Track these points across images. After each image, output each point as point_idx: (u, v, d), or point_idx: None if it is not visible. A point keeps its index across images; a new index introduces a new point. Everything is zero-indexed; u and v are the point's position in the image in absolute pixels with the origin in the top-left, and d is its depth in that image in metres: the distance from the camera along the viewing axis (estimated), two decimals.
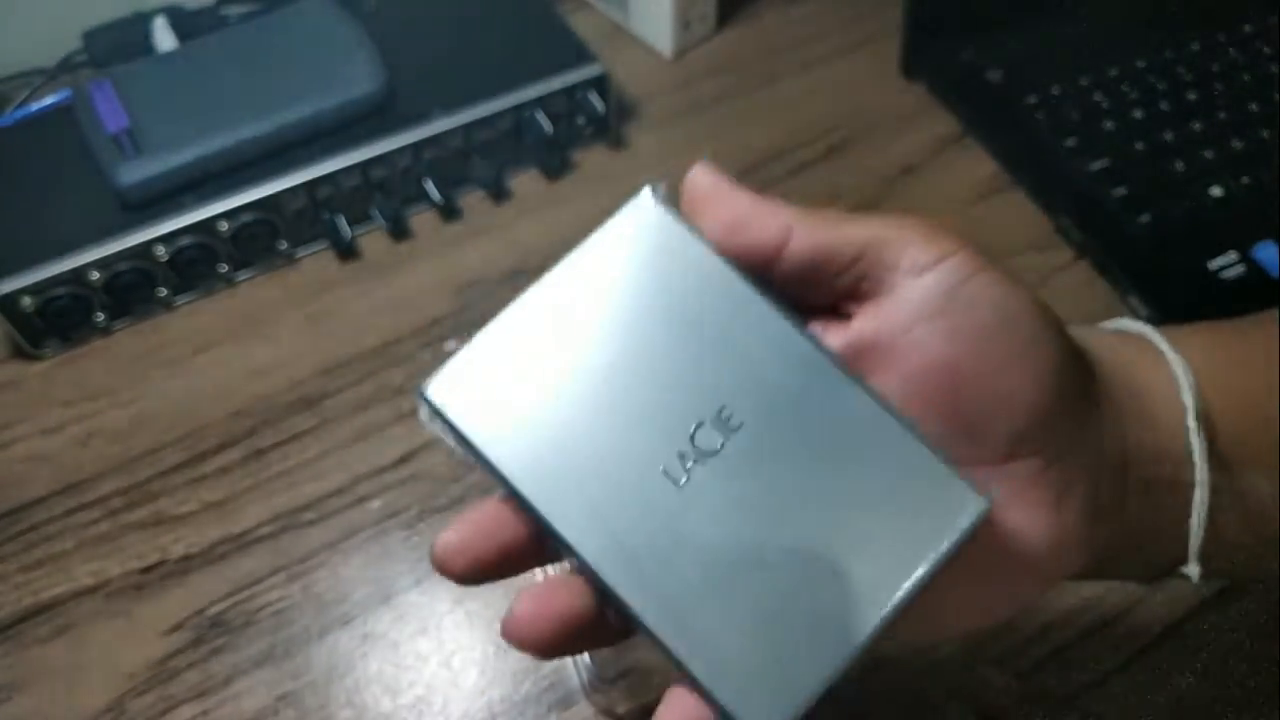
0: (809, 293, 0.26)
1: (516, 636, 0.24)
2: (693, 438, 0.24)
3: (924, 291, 0.24)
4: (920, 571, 0.23)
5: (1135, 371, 0.28)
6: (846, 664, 0.23)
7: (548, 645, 0.24)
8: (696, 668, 0.23)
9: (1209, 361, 0.29)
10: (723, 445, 0.24)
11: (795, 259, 0.25)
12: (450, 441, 0.25)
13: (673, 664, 0.23)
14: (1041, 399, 0.24)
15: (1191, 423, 0.27)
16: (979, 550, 0.24)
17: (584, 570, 0.24)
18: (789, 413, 0.24)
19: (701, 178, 0.26)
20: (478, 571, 0.25)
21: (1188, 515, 0.28)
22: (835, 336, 0.26)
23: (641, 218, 0.26)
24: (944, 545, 0.24)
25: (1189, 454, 0.27)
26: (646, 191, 0.26)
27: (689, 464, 0.24)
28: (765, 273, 0.26)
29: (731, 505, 0.24)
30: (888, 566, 0.23)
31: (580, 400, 0.24)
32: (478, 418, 0.24)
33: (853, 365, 0.25)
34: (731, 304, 0.25)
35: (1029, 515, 0.25)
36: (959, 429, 0.25)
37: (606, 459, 0.24)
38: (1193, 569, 0.28)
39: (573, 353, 0.25)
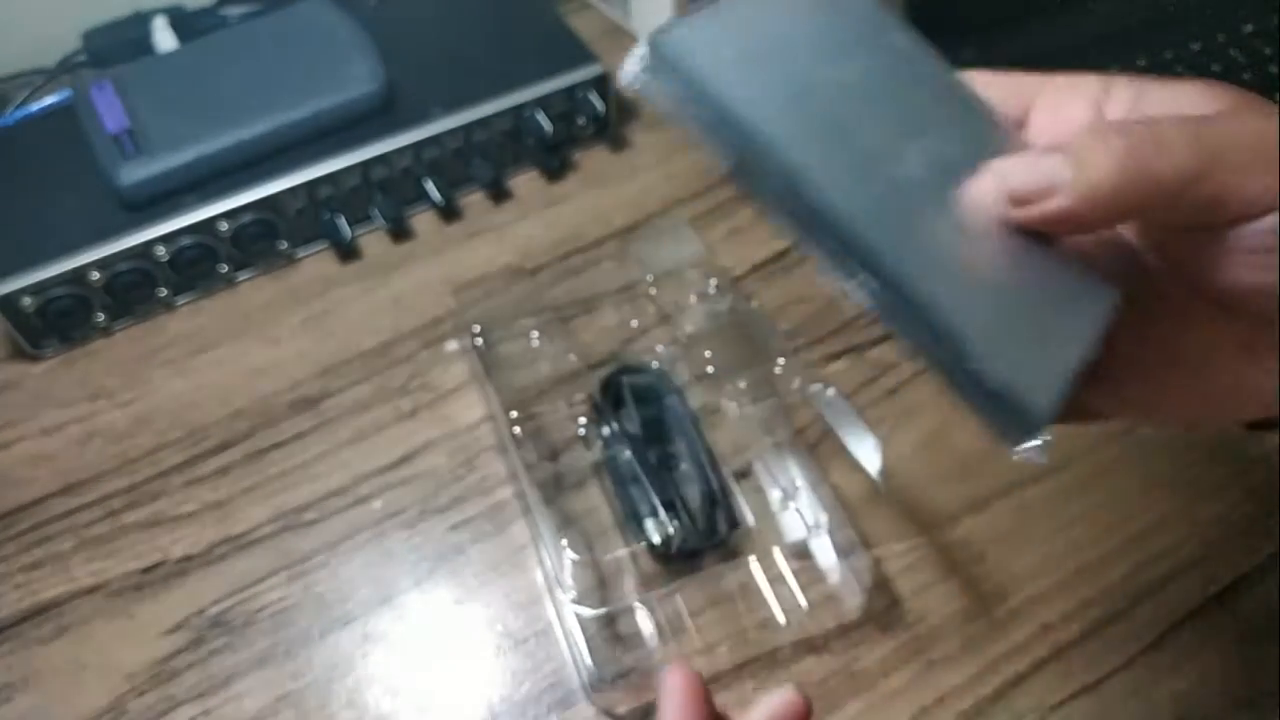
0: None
1: None
2: (906, 126, 0.25)
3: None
4: (1088, 349, 0.25)
5: None
6: (1091, 350, 0.24)
7: None
8: (973, 347, 0.23)
9: None
10: (929, 138, 0.25)
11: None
12: (668, 97, 0.24)
13: (928, 338, 0.23)
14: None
15: None
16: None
17: (829, 238, 0.23)
18: (976, 142, 0.26)
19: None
20: None
21: None
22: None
23: None
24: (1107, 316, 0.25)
25: None
26: None
27: (923, 159, 0.24)
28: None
29: (957, 208, 0.24)
30: (1093, 282, 0.25)
31: (813, 81, 0.24)
32: (713, 66, 0.23)
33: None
34: (911, 48, 0.28)
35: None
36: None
37: (845, 131, 0.24)
38: None
39: (802, 46, 0.25)
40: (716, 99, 0.23)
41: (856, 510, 0.46)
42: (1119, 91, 0.27)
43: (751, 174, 0.23)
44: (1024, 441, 0.23)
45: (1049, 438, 0.23)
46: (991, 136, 0.26)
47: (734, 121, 0.23)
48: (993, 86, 0.28)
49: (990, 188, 0.25)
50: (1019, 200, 0.24)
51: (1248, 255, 0.25)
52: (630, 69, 0.23)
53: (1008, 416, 0.23)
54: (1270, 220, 0.24)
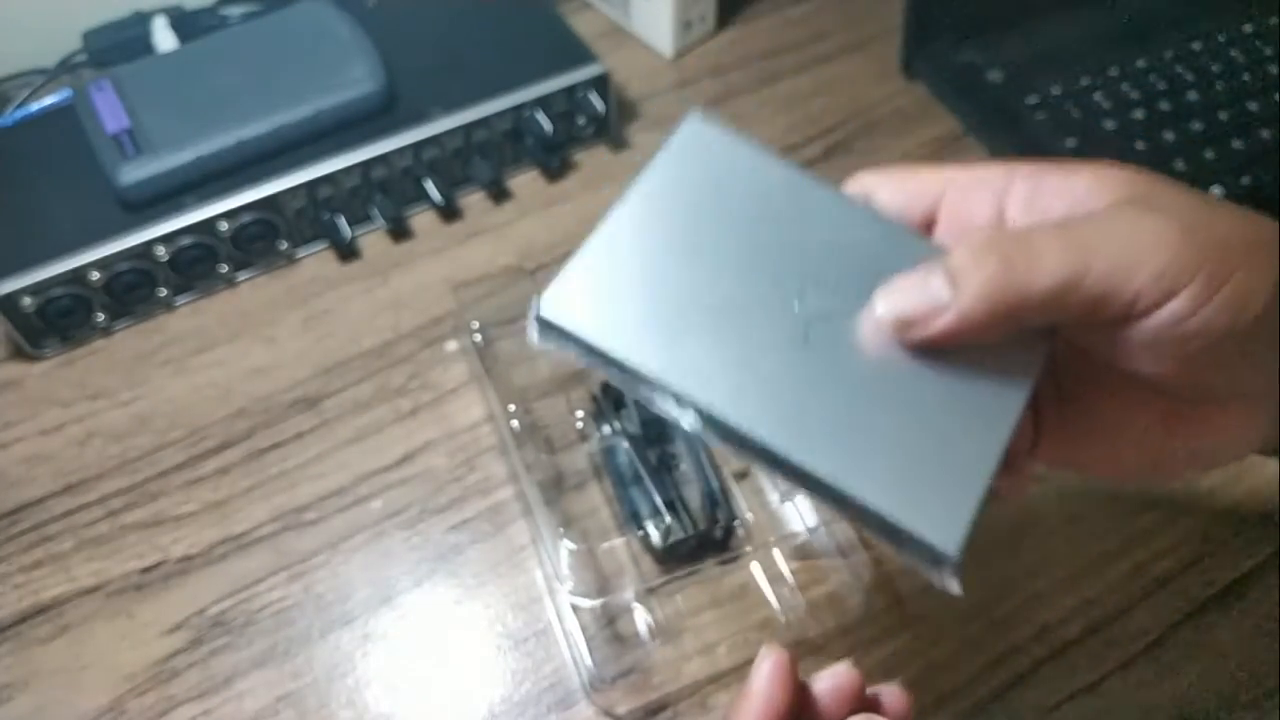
0: None
1: None
2: (801, 306, 0.26)
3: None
4: (1030, 383, 0.26)
5: None
6: (995, 472, 0.25)
7: None
8: (878, 504, 0.24)
9: None
10: (828, 306, 0.26)
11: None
12: (569, 354, 0.25)
13: (844, 509, 0.25)
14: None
15: None
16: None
17: (743, 447, 0.25)
18: (870, 268, 0.27)
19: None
20: None
21: None
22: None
23: (695, 136, 0.28)
24: (1041, 359, 0.26)
25: None
26: (693, 114, 0.28)
27: (806, 327, 0.26)
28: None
29: (854, 356, 0.26)
30: (1003, 384, 0.26)
31: (690, 293, 0.26)
32: (601, 326, 0.25)
33: None
34: (796, 192, 0.28)
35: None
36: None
37: (733, 338, 0.26)
38: None
39: (670, 254, 0.26)
40: (602, 354, 0.25)
41: None
42: (1018, 185, 0.27)
43: (661, 400, 0.26)
44: (945, 574, 0.25)
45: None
46: (887, 258, 0.27)
47: (625, 370, 0.25)
48: (898, 192, 0.29)
49: (880, 315, 0.26)
50: (905, 325, 0.26)
51: (1142, 348, 0.25)
52: (530, 331, 0.26)
53: (923, 556, 0.25)
54: (1162, 315, 0.25)
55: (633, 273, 0.26)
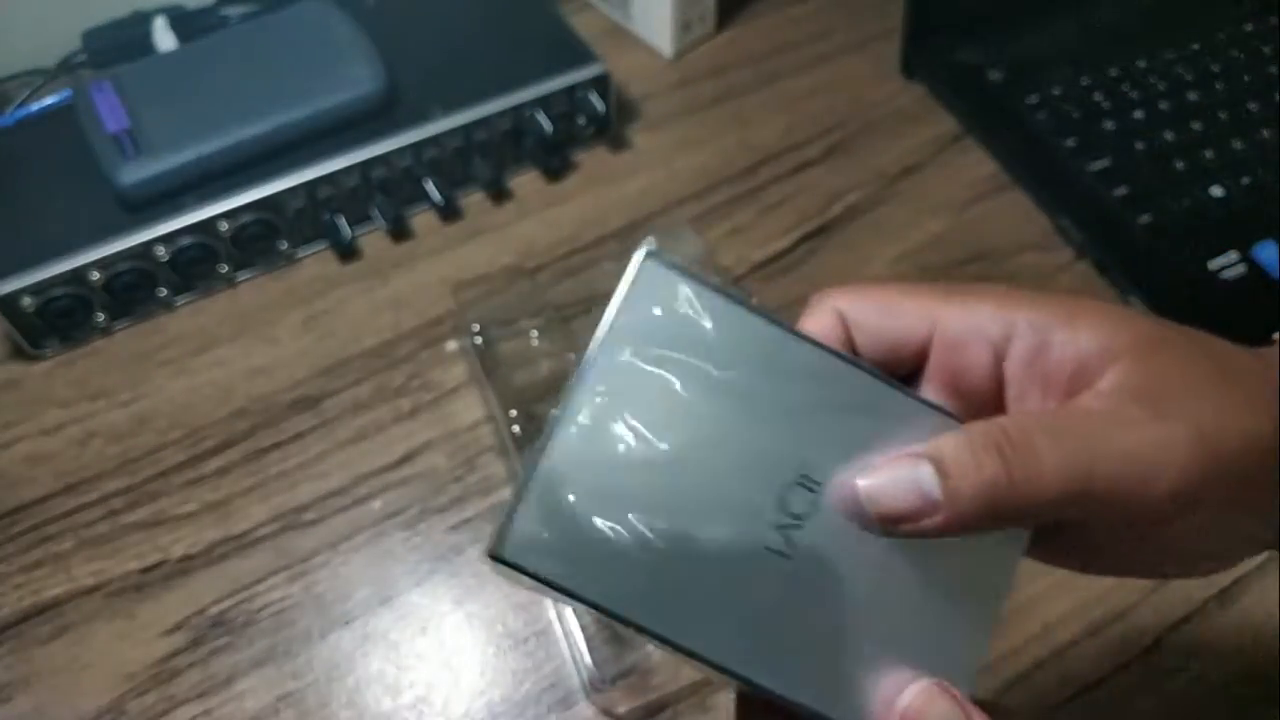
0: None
1: None
2: (785, 505, 0.23)
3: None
4: (1000, 605, 0.25)
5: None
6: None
7: None
8: None
9: None
10: (814, 504, 0.23)
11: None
12: (530, 586, 0.23)
13: None
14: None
15: None
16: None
17: (726, 677, 0.23)
18: (857, 452, 0.24)
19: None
20: None
21: None
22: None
23: (646, 286, 0.23)
24: (1008, 579, 0.25)
25: None
26: (639, 254, 0.23)
27: (789, 532, 0.23)
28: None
29: (831, 570, 0.23)
30: (977, 600, 0.25)
31: (657, 506, 0.23)
32: (561, 563, 0.22)
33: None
34: (771, 352, 0.24)
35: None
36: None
37: (712, 560, 0.23)
38: None
39: (631, 462, 0.23)
40: (574, 595, 0.22)
41: None
42: (1019, 344, 0.25)
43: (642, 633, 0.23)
44: None
45: None
46: (881, 428, 0.24)
47: (587, 603, 0.22)
48: (882, 322, 0.26)
49: (861, 502, 0.24)
50: (889, 519, 0.23)
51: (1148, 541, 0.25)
52: (497, 571, 0.23)
53: None
54: (1176, 527, 0.24)
55: (591, 492, 0.22)
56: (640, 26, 0.67)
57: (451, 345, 0.53)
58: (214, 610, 0.45)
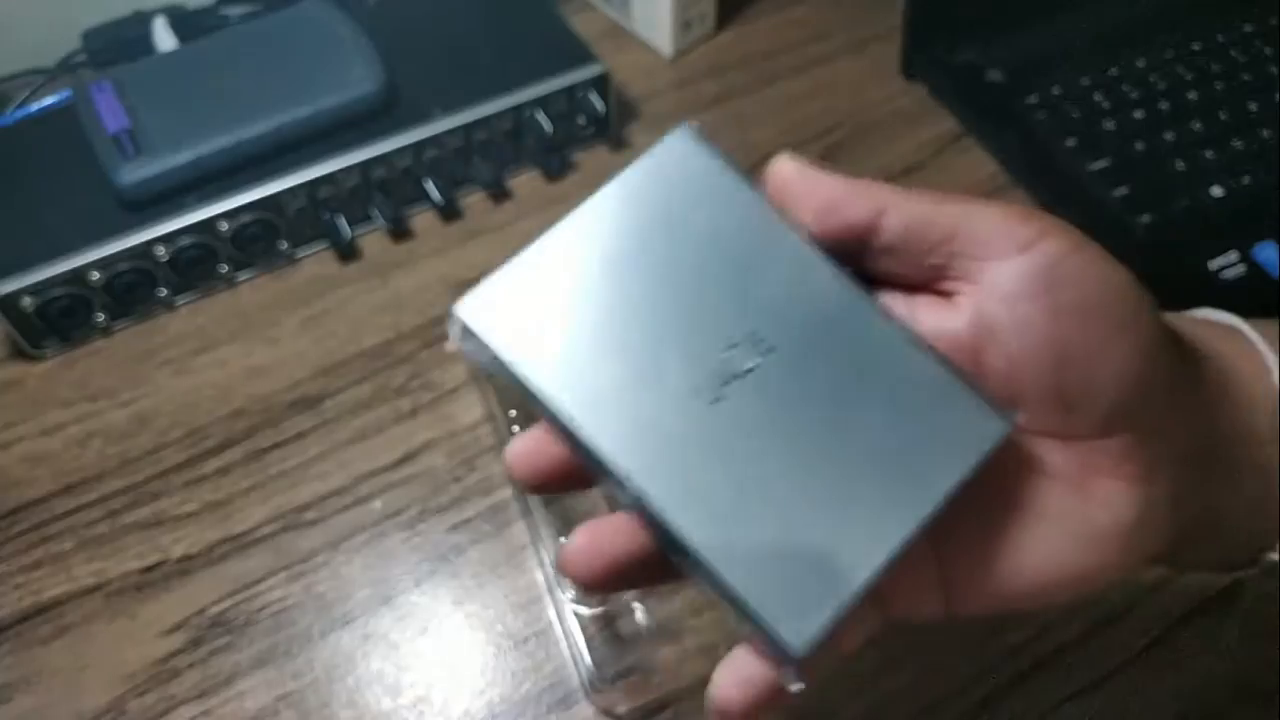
0: (905, 271, 0.26)
1: (571, 570, 0.25)
2: (726, 358, 0.25)
3: (1024, 269, 0.24)
4: (944, 491, 0.24)
5: (1224, 356, 0.28)
6: (872, 580, 0.23)
7: (600, 581, 0.25)
8: (734, 581, 0.23)
9: None
10: (755, 366, 0.25)
11: (888, 237, 0.26)
12: (483, 360, 0.25)
13: (708, 579, 0.24)
14: (1142, 373, 0.25)
15: None
16: (1066, 514, 0.25)
17: (621, 491, 0.24)
18: (818, 337, 0.25)
19: (786, 165, 0.27)
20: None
21: (1273, 499, 0.28)
22: (943, 318, 0.26)
23: (677, 150, 0.26)
24: (965, 468, 0.24)
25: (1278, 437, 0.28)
26: (683, 127, 0.26)
27: (722, 383, 0.24)
28: (861, 251, 0.26)
29: (764, 424, 0.24)
30: (914, 484, 0.24)
31: (615, 321, 0.25)
32: (512, 338, 0.25)
33: (969, 353, 0.25)
34: (762, 234, 0.26)
35: (1118, 488, 0.25)
36: (1060, 404, 0.25)
37: (643, 379, 0.24)
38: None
39: (607, 277, 0.25)
40: (506, 367, 0.24)
41: None
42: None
43: (558, 429, 0.25)
44: (788, 673, 0.24)
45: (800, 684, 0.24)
46: (838, 328, 0.25)
47: (525, 388, 0.24)
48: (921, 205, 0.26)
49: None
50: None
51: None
52: (452, 333, 0.25)
53: (768, 646, 0.24)
54: None
55: (565, 288, 0.25)
56: (640, 26, 0.67)
57: (452, 345, 0.53)
58: (214, 610, 0.45)
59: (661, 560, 0.24)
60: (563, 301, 0.25)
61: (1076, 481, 0.26)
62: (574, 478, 0.25)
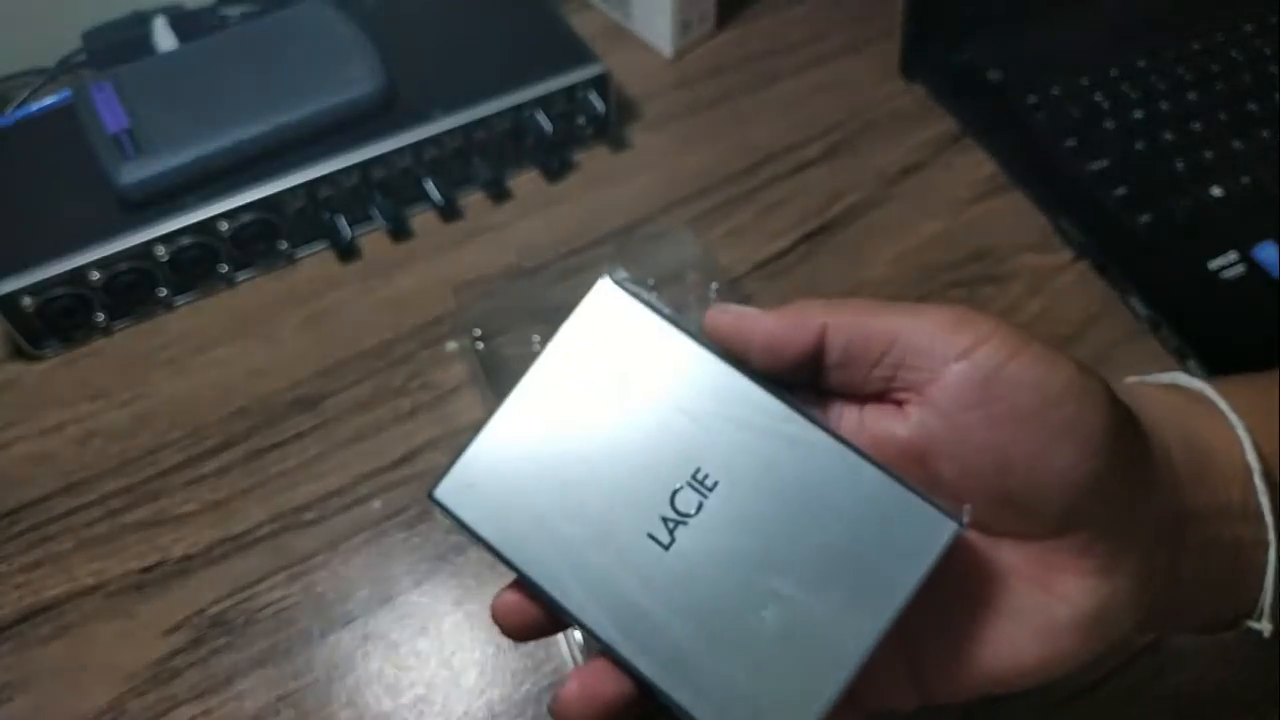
0: (856, 383, 0.27)
1: (563, 716, 0.26)
2: (673, 502, 0.26)
3: (961, 380, 0.25)
4: (901, 597, 0.25)
5: (1193, 429, 0.28)
6: (840, 692, 0.24)
7: None
8: (702, 716, 0.24)
9: (1264, 417, 0.29)
10: (700, 506, 0.26)
11: (834, 356, 0.26)
12: (462, 533, 0.27)
13: (680, 715, 0.25)
14: (1088, 475, 0.24)
15: (1259, 483, 0.28)
16: (1027, 610, 0.26)
17: (594, 640, 0.26)
18: (760, 464, 0.26)
19: (720, 317, 0.27)
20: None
21: (1251, 571, 0.28)
22: (893, 426, 0.26)
23: (603, 303, 0.28)
24: (920, 571, 0.25)
25: (1256, 512, 0.28)
26: (604, 279, 0.28)
27: (673, 527, 0.26)
28: (814, 370, 0.27)
29: (716, 560, 0.26)
30: (871, 595, 0.25)
31: (571, 482, 0.27)
32: (482, 515, 0.27)
33: (916, 460, 0.26)
34: (695, 373, 0.27)
35: (1078, 583, 0.25)
36: (1010, 508, 0.25)
37: (599, 534, 0.26)
38: (1265, 625, 0.29)
39: (560, 443, 0.27)
40: (485, 543, 0.27)
41: None
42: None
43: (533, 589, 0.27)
44: None
45: None
46: (784, 455, 0.26)
47: (504, 560, 0.27)
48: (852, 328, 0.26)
49: None
50: None
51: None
52: (437, 512, 0.28)
53: None
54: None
55: (523, 461, 0.27)
56: (640, 26, 0.67)
57: (451, 345, 0.53)
58: (214, 610, 0.45)
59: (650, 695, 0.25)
60: (524, 472, 0.27)
61: (1037, 577, 0.26)
62: (553, 626, 0.27)
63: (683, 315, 0.28)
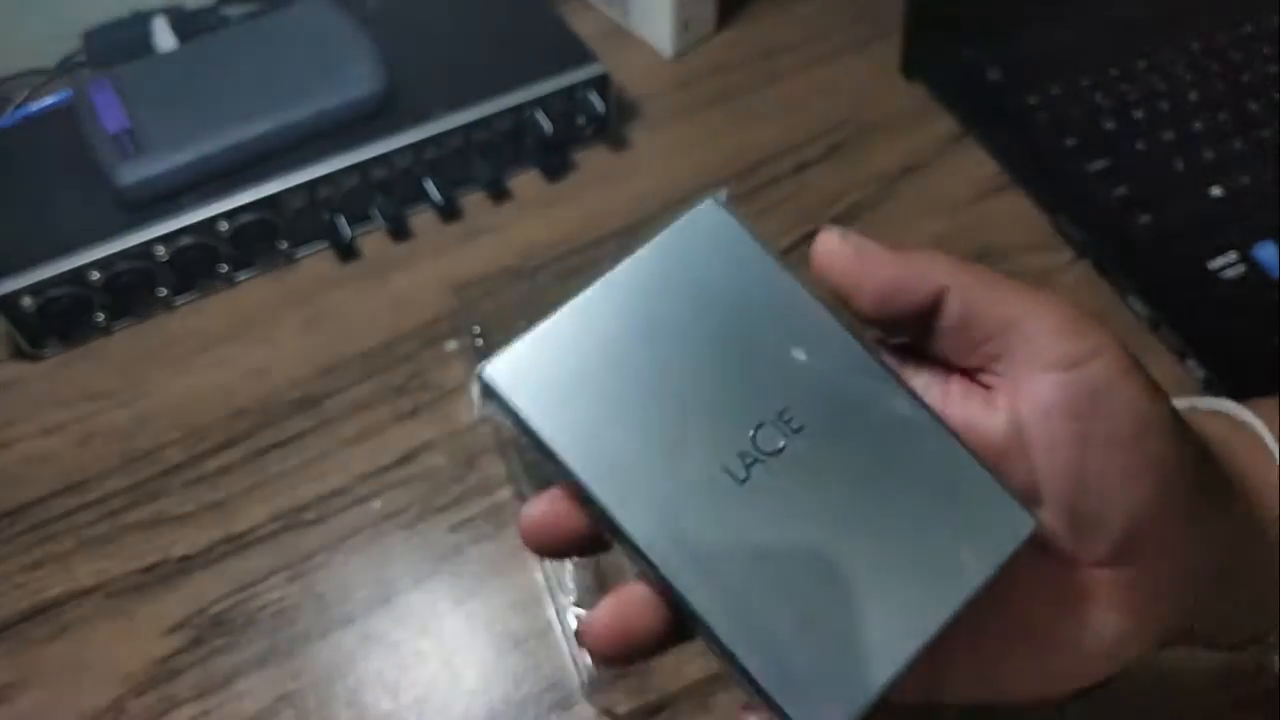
0: (951, 355, 0.26)
1: (592, 645, 0.24)
2: (754, 437, 0.24)
3: (1065, 389, 0.24)
4: (972, 586, 0.24)
5: (1233, 455, 0.28)
6: (898, 675, 0.23)
7: (623, 658, 0.24)
8: (755, 667, 0.23)
9: None
10: (783, 446, 0.24)
11: (946, 321, 0.25)
12: (507, 424, 0.24)
13: (728, 661, 0.23)
14: (1155, 512, 0.24)
15: None
16: (1053, 633, 0.25)
17: (642, 564, 0.24)
18: (847, 419, 0.25)
19: (838, 245, 0.26)
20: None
21: (1273, 596, 0.28)
22: (976, 412, 0.25)
23: (706, 220, 0.26)
24: (995, 563, 0.24)
25: None
26: (711, 198, 0.26)
27: (750, 462, 0.24)
28: (917, 328, 0.26)
29: (790, 506, 0.24)
30: (942, 578, 0.24)
31: (643, 394, 0.24)
32: (538, 403, 0.24)
33: (994, 452, 0.25)
34: (792, 310, 0.25)
35: (1110, 618, 0.25)
36: (1071, 528, 0.25)
37: (668, 453, 0.24)
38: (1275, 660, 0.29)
39: (634, 347, 0.25)
40: (533, 434, 0.24)
41: None
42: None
43: (582, 498, 0.24)
44: None
45: None
46: (865, 409, 0.25)
47: (550, 457, 0.24)
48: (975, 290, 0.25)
49: None
50: None
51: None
52: (475, 398, 0.25)
53: None
54: None
55: (592, 356, 0.24)
56: (640, 26, 0.67)
57: (451, 345, 0.53)
58: (214, 610, 0.45)
59: (681, 630, 0.24)
60: (589, 369, 0.24)
61: (1071, 605, 0.25)
62: (587, 544, 0.25)
63: None
